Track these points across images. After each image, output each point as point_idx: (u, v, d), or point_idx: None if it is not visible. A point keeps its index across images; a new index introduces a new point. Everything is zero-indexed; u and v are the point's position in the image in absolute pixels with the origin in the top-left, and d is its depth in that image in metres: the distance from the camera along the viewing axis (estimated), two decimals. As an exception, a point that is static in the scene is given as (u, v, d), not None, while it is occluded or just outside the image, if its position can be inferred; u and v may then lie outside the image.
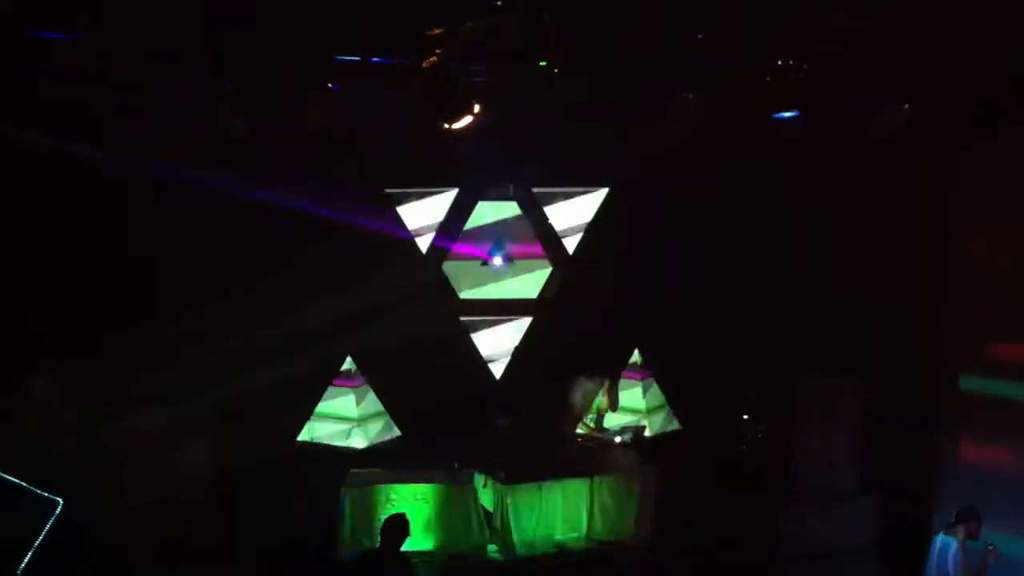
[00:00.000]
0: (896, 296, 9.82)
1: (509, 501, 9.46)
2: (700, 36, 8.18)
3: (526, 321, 11.79)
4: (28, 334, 9.02)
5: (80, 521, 8.43)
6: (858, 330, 10.08)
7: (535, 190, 11.61)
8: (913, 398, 9.77)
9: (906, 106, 9.42)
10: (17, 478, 8.30)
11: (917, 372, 9.72)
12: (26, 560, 8.28)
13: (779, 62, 8.70)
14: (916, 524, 9.28)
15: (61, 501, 8.43)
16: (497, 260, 11.62)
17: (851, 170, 10.05)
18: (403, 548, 7.21)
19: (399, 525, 7.15)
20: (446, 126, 8.32)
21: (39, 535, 8.41)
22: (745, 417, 11.31)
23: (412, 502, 9.37)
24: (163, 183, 9.30)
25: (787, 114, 9.47)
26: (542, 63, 7.77)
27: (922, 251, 9.64)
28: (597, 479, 9.73)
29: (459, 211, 11.43)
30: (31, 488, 8.39)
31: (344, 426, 11.16)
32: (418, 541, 9.32)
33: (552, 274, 11.79)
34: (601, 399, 10.66)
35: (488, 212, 11.59)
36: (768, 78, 8.87)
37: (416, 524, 9.31)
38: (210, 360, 9.35)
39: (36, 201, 9.07)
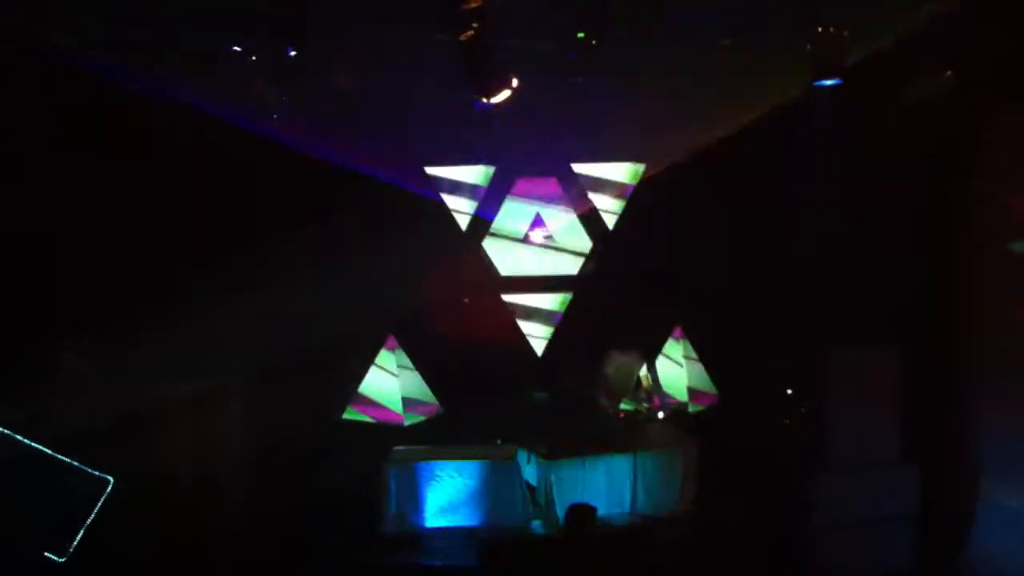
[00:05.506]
0: (933, 263, 9.68)
1: (552, 477, 9.48)
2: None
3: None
4: (57, 300, 9.13)
5: (115, 492, 8.54)
6: (895, 298, 9.95)
7: (574, 165, 11.57)
8: (952, 366, 9.64)
9: (948, 73, 9.26)
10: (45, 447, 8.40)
11: (955, 339, 9.58)
12: (79, 538, 8.42)
13: (820, 28, 8.57)
14: (956, 493, 9.19)
15: (112, 479, 8.54)
16: (536, 236, 11.60)
17: (882, 138, 9.91)
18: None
19: (587, 512, 7.26)
20: (484, 101, 8.28)
21: (91, 513, 8.53)
22: (788, 391, 11.22)
23: (455, 478, 9.43)
24: (200, 150, 9.36)
25: (828, 82, 9.32)
26: (580, 35, 7.70)
27: (967, 217, 9.48)
28: (640, 454, 9.73)
29: (498, 187, 11.41)
30: (82, 467, 8.51)
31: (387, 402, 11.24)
32: (461, 517, 9.44)
33: (591, 250, 11.75)
34: (643, 377, 10.61)
35: (527, 188, 11.57)
36: (809, 45, 8.73)
37: (459, 500, 9.43)
38: (250, 334, 9.44)
39: (72, 163, 9.17)
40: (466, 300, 11.45)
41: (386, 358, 11.24)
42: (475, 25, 7.59)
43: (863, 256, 10.25)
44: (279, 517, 9.23)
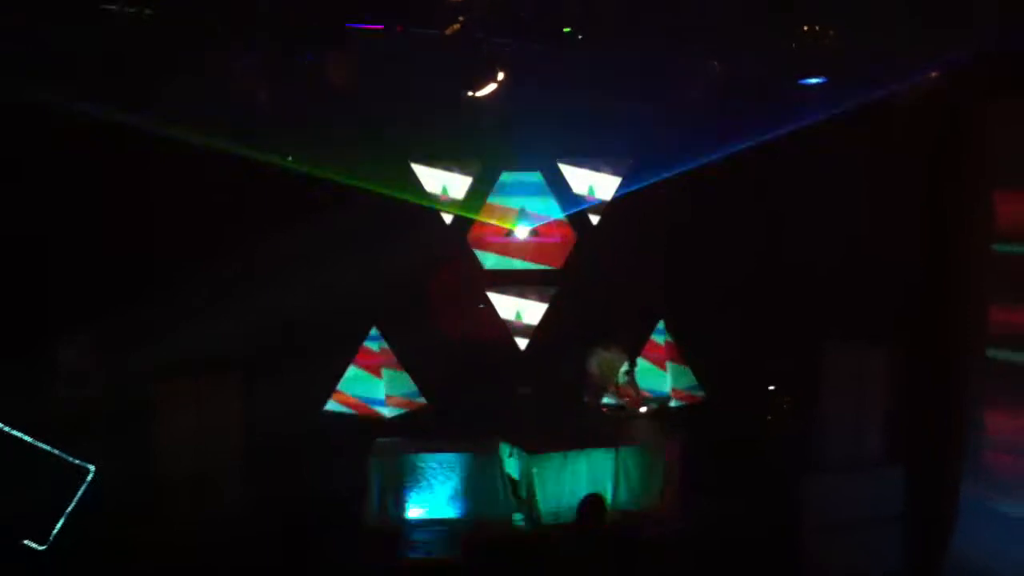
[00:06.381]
0: (924, 263, 9.72)
1: (534, 470, 9.51)
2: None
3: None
4: (51, 298, 9.13)
5: (104, 487, 8.54)
6: (885, 298, 10.00)
7: (559, 161, 11.59)
8: (941, 367, 9.68)
9: (935, 74, 9.29)
10: (41, 443, 8.40)
11: (944, 340, 9.62)
12: (59, 526, 8.42)
13: (805, 27, 8.58)
14: (943, 494, 9.23)
15: (93, 468, 8.53)
16: (521, 231, 11.62)
17: (875, 135, 9.95)
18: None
19: (598, 502, 7.28)
20: (470, 94, 8.27)
21: (71, 502, 8.53)
22: (771, 388, 11.26)
23: (438, 471, 9.44)
24: (190, 147, 9.36)
25: (813, 80, 9.35)
26: (566, 30, 7.70)
27: (953, 217, 9.52)
28: (622, 449, 9.76)
29: (483, 182, 11.42)
30: (63, 455, 8.50)
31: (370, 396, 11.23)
32: (444, 510, 9.45)
33: (577, 245, 11.76)
34: (623, 373, 10.64)
35: (512, 183, 11.58)
36: (794, 44, 8.75)
37: (442, 493, 9.45)
38: (235, 327, 9.42)
39: (68, 158, 9.17)
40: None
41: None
42: (461, 19, 7.59)
43: (857, 256, 10.29)
44: (268, 511, 9.22)
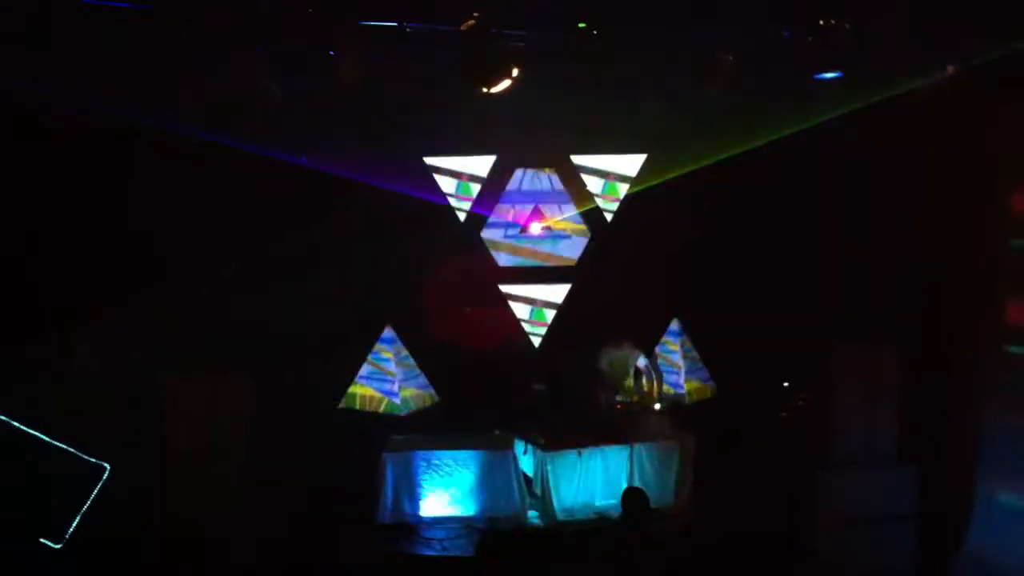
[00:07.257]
0: (938, 261, 9.67)
1: (549, 467, 9.49)
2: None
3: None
4: (61, 289, 9.15)
5: (112, 483, 8.55)
6: (898, 296, 9.96)
7: (573, 156, 11.56)
8: (955, 365, 9.63)
9: (951, 69, 9.23)
10: (50, 437, 8.41)
11: (955, 338, 9.57)
12: (74, 525, 8.43)
13: (821, 21, 8.53)
14: (956, 493, 9.18)
15: (108, 466, 8.54)
16: (535, 228, 11.59)
17: (888, 133, 9.89)
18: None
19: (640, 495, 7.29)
20: (484, 91, 8.24)
21: (86, 501, 8.54)
22: (786, 384, 11.22)
23: (452, 467, 9.42)
24: (204, 143, 9.37)
25: (829, 75, 9.30)
26: (581, 25, 7.66)
27: (967, 214, 9.46)
28: (637, 446, 9.73)
29: (497, 178, 11.40)
30: (77, 453, 8.51)
31: (384, 392, 11.23)
32: (458, 507, 9.44)
33: (590, 242, 11.73)
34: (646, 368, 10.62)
35: (526, 179, 11.57)
36: (810, 38, 8.70)
37: (456, 490, 9.44)
38: (249, 323, 9.43)
39: (79, 156, 9.20)
40: (468, 309, 11.49)
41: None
42: (476, 14, 7.57)
43: (865, 255, 10.24)
44: (278, 509, 9.21)
